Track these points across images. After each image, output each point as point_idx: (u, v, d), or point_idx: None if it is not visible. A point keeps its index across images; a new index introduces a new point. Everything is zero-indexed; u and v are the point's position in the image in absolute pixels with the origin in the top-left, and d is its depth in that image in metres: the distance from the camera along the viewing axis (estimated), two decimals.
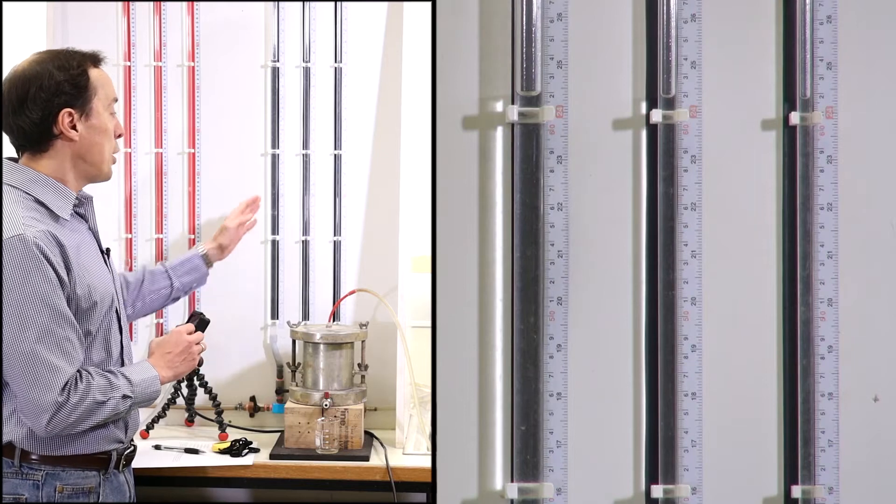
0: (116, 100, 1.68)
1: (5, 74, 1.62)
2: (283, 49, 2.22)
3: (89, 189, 1.70)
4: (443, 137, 1.53)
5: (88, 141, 1.61)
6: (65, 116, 1.58)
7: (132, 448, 1.72)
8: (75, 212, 1.64)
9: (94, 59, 1.64)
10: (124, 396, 1.58)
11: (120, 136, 1.68)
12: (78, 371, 1.54)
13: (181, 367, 1.75)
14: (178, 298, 2.07)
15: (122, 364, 1.68)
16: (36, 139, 1.59)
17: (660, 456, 1.53)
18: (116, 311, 1.67)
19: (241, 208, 2.17)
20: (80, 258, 1.57)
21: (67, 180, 1.61)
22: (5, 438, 1.56)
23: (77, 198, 1.63)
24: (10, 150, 1.68)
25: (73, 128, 1.59)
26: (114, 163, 1.68)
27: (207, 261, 2.09)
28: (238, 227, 2.14)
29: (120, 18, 2.19)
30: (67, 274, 1.53)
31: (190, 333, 1.77)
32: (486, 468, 1.52)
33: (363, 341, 2.16)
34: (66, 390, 1.51)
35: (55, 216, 1.58)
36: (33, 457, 1.57)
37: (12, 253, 1.48)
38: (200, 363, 1.85)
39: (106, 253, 1.70)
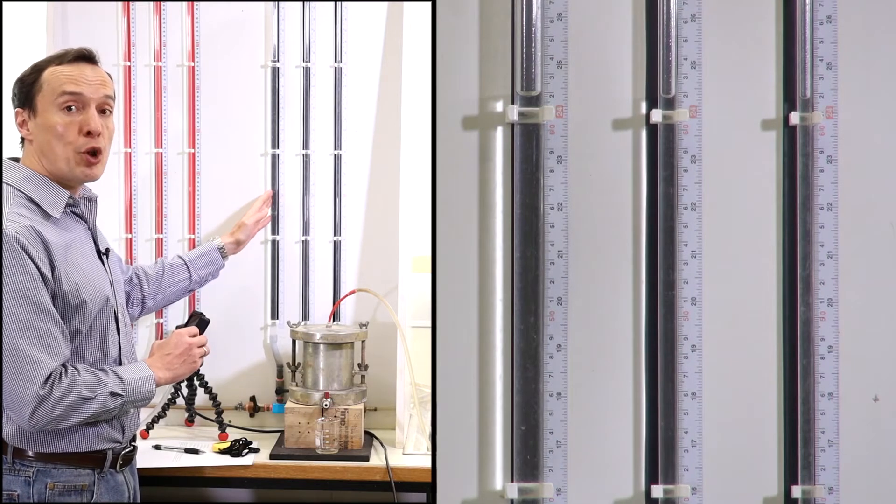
0: (75, 94, 1.59)
1: None
2: (283, 49, 2.21)
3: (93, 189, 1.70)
4: (443, 137, 1.53)
5: (39, 139, 1.61)
6: (16, 116, 1.64)
7: (132, 448, 1.71)
8: (72, 211, 1.64)
9: (60, 58, 1.62)
10: (113, 394, 1.58)
11: (90, 133, 1.59)
12: (63, 366, 1.53)
13: (180, 369, 1.74)
14: (192, 291, 2.12)
15: (121, 364, 1.67)
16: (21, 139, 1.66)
17: (660, 456, 1.53)
18: (115, 311, 1.67)
19: (258, 205, 2.19)
20: (68, 256, 1.57)
21: (52, 178, 1.62)
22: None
23: (71, 197, 1.63)
24: (10, 150, 1.69)
25: (27, 128, 1.62)
26: (87, 164, 1.60)
27: (224, 254, 2.13)
28: (255, 224, 2.17)
29: (120, 18, 2.19)
30: (52, 271, 1.53)
31: (193, 336, 1.78)
32: (486, 468, 1.52)
33: (363, 341, 2.15)
34: (49, 384, 1.50)
35: (46, 214, 1.58)
36: (28, 454, 1.57)
37: None
38: (200, 365, 1.85)
39: (105, 253, 1.70)
